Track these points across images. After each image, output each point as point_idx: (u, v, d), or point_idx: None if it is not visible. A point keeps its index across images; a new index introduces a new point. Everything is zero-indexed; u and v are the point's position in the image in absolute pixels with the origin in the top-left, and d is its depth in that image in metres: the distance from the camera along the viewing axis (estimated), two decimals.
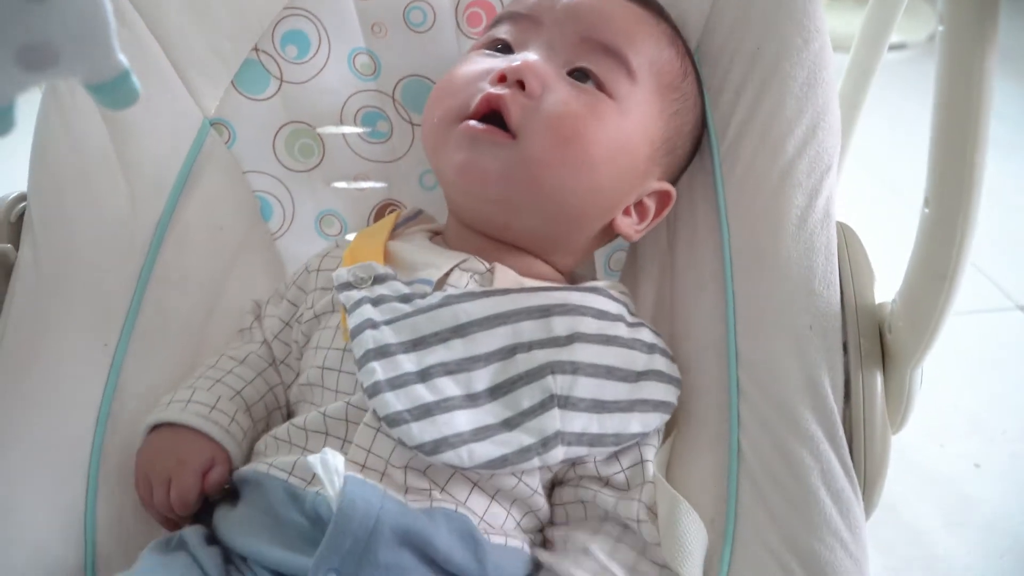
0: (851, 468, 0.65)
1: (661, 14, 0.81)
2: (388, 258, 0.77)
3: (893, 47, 0.90)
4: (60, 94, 0.78)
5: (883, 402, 0.67)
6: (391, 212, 0.95)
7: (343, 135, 0.92)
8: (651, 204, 0.80)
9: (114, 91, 0.45)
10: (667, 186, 0.80)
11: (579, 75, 0.74)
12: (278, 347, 0.80)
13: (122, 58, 0.45)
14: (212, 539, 0.69)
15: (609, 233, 0.81)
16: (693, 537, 0.66)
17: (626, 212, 0.79)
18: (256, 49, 0.88)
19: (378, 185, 0.95)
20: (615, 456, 0.71)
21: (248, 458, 0.74)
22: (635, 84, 0.74)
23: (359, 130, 0.92)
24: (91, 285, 0.77)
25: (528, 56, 0.73)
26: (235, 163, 0.89)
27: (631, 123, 0.74)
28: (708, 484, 0.70)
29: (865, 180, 1.56)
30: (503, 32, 0.78)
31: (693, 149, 0.83)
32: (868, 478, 0.67)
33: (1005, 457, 1.13)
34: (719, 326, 0.75)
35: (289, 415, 0.79)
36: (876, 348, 0.68)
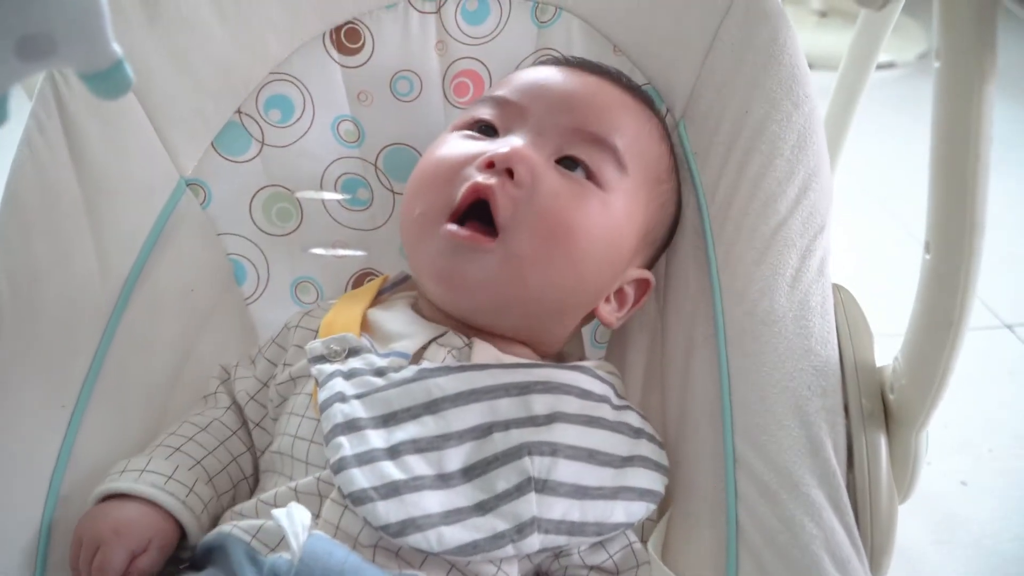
0: (856, 536, 0.62)
1: (652, 108, 0.81)
2: (366, 326, 0.74)
3: (881, 66, 0.91)
4: (35, 144, 0.76)
5: (888, 466, 0.64)
6: (369, 281, 0.92)
7: (323, 201, 0.90)
8: (631, 291, 0.79)
9: (108, 80, 0.45)
10: (646, 273, 0.79)
11: (568, 163, 0.72)
12: (253, 409, 0.76)
13: (116, 47, 0.45)
14: None
15: (590, 318, 0.79)
16: None
17: (607, 300, 0.77)
18: (239, 112, 0.86)
19: (357, 253, 0.92)
20: (600, 544, 0.67)
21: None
22: (625, 175, 0.73)
23: (339, 196, 0.91)
24: (54, 343, 0.73)
25: (516, 142, 0.71)
26: (210, 224, 0.86)
27: (619, 214, 0.73)
28: (707, 561, 0.66)
29: (854, 197, 1.59)
30: (487, 114, 0.76)
31: (669, 237, 0.83)
32: (875, 548, 0.63)
33: (991, 475, 1.13)
34: (713, 391, 0.72)
35: (255, 485, 0.74)
36: (879, 410, 0.66)
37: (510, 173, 0.68)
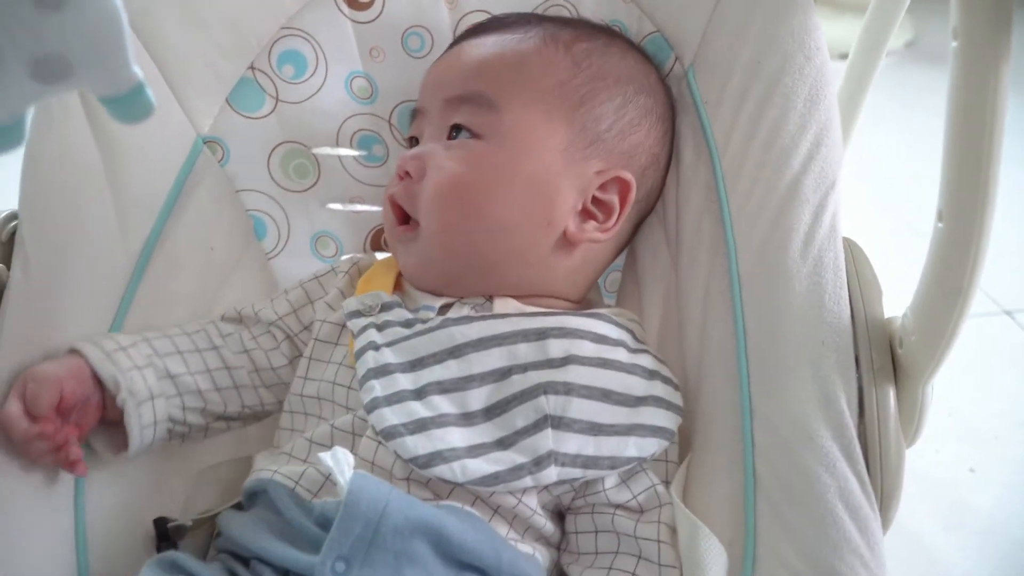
0: (868, 484, 0.64)
1: (534, 24, 0.81)
2: (399, 287, 0.80)
3: None
4: (51, 108, 0.76)
5: (897, 416, 0.67)
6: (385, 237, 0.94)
7: (339, 157, 0.91)
8: (611, 198, 0.78)
9: (128, 104, 0.45)
10: (617, 173, 0.78)
11: (455, 133, 0.77)
12: (292, 321, 0.82)
13: (137, 70, 0.44)
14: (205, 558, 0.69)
15: (573, 246, 0.78)
16: (713, 561, 0.65)
17: (585, 218, 0.78)
18: (252, 68, 0.87)
19: (373, 208, 0.93)
20: (625, 484, 0.71)
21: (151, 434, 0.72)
22: (501, 111, 0.76)
23: (355, 153, 0.92)
24: (78, 306, 0.75)
25: (415, 149, 0.79)
26: (228, 182, 0.87)
27: (509, 148, 0.75)
28: (725, 507, 0.69)
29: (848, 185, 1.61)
30: (412, 129, 0.84)
31: (645, 124, 0.81)
32: (884, 493, 0.66)
33: (998, 461, 1.15)
34: (729, 344, 0.74)
35: (260, 401, 0.80)
36: (888, 363, 0.68)
37: (408, 173, 0.77)
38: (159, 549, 0.71)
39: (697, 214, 0.81)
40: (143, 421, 0.71)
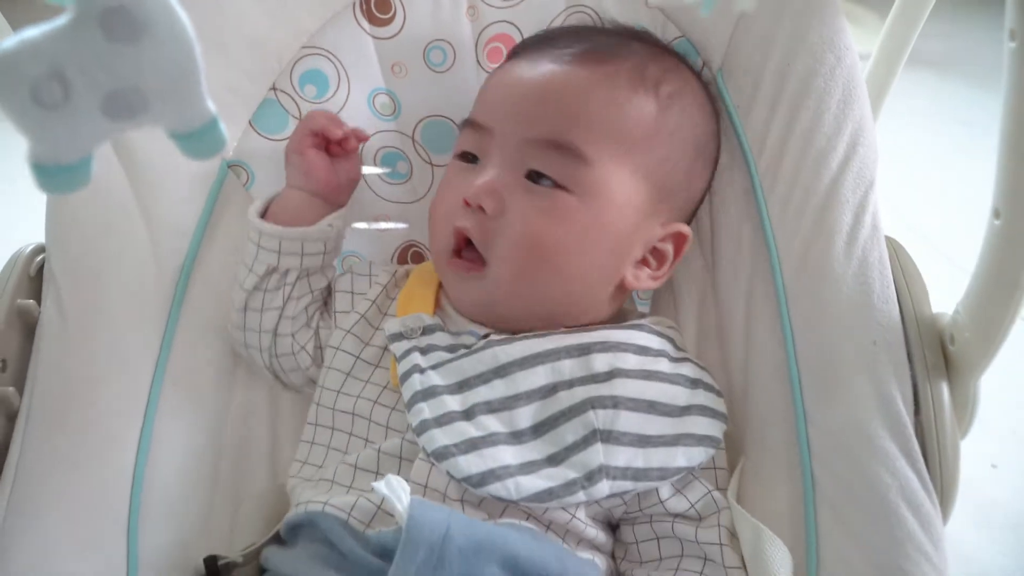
0: (928, 482, 0.65)
1: (615, 55, 0.76)
2: (439, 306, 0.78)
3: None
4: None
5: (952, 412, 0.68)
6: (413, 254, 0.93)
7: (363, 176, 0.90)
8: (667, 247, 0.78)
9: (202, 139, 0.43)
10: (678, 227, 0.78)
11: (535, 175, 0.73)
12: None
13: (210, 104, 0.42)
14: None
15: (624, 290, 0.79)
16: (780, 564, 0.65)
17: (640, 265, 0.78)
18: (275, 88, 0.86)
19: (399, 226, 0.93)
20: (681, 493, 0.71)
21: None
22: (592, 166, 0.72)
23: (379, 171, 0.91)
24: (119, 336, 0.73)
25: (485, 176, 0.74)
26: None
27: (597, 207, 0.73)
28: (784, 514, 0.69)
29: None
30: (468, 143, 0.78)
31: (705, 172, 0.82)
32: (944, 489, 0.66)
33: (1020, 457, 1.15)
34: (776, 349, 0.74)
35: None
36: (940, 359, 0.68)
37: (483, 207, 0.72)
38: None
39: (735, 220, 0.81)
40: None
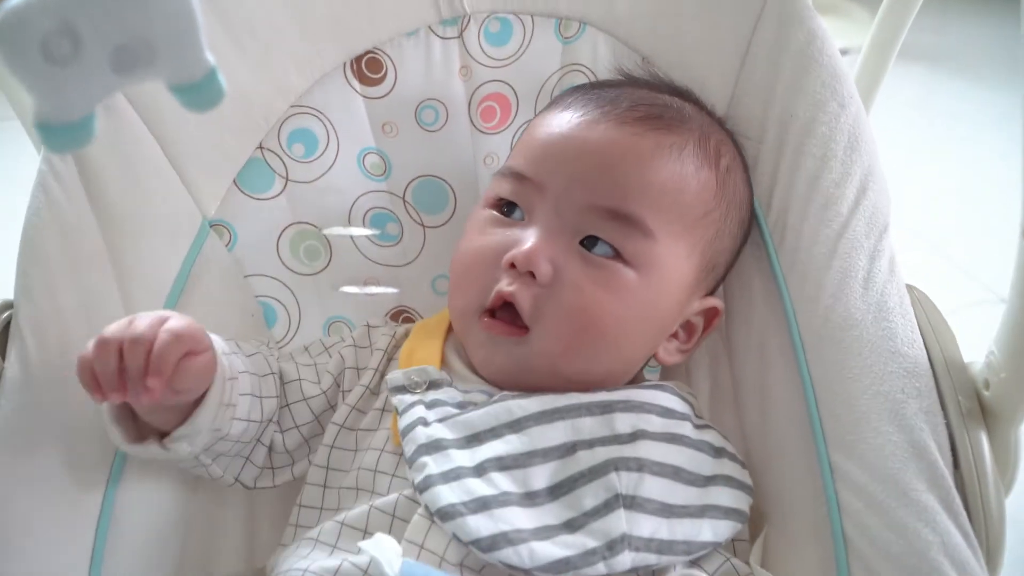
0: (972, 537, 0.58)
1: (679, 123, 0.73)
2: (444, 363, 0.73)
3: None
4: (52, 189, 0.71)
5: (993, 463, 0.62)
6: (404, 319, 0.89)
7: (351, 237, 0.86)
8: (699, 321, 0.75)
9: (202, 91, 0.42)
10: (713, 302, 0.75)
11: (591, 241, 0.69)
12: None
13: (209, 55, 0.42)
14: None
15: (651, 360, 0.76)
16: None
17: (670, 338, 0.74)
18: (261, 147, 0.83)
19: (389, 290, 0.88)
20: (698, 564, 0.64)
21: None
22: (655, 241, 0.69)
23: (368, 232, 0.87)
24: (84, 400, 0.67)
25: (536, 238, 0.68)
26: (237, 267, 0.82)
27: (655, 283, 0.69)
28: None
29: None
30: (509, 192, 0.72)
31: (738, 249, 0.78)
32: (990, 547, 0.59)
33: None
34: (798, 406, 0.69)
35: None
36: (976, 407, 0.63)
37: (534, 274, 0.67)
38: None
39: (746, 274, 0.78)
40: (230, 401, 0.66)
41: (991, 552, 0.60)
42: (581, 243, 0.68)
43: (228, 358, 0.67)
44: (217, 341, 0.66)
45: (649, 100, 0.73)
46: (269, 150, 0.83)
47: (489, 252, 0.70)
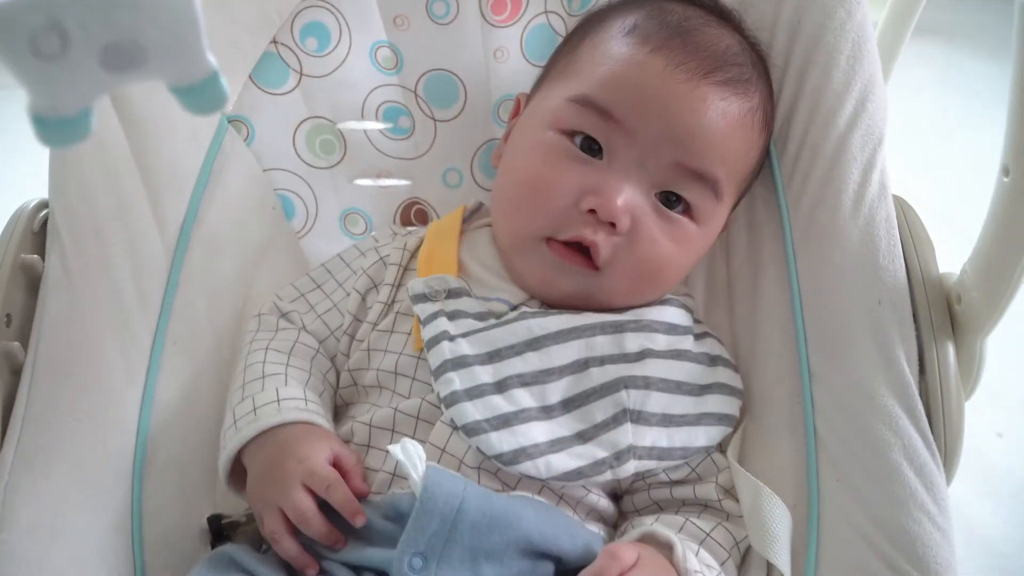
0: (931, 441, 0.65)
1: (753, 85, 0.73)
2: (461, 267, 0.76)
3: None
4: None
5: (957, 372, 0.67)
6: (417, 211, 0.92)
7: (364, 131, 0.89)
8: None
9: (202, 94, 0.42)
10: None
11: (668, 197, 0.71)
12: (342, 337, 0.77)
13: (211, 58, 0.41)
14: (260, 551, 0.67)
15: None
16: (778, 522, 0.65)
17: None
18: (275, 42, 0.84)
19: (401, 183, 0.92)
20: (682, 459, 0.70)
21: None
22: (722, 202, 0.73)
23: (381, 126, 0.89)
24: (121, 293, 0.73)
25: (623, 191, 0.68)
26: (255, 161, 0.85)
27: (710, 234, 0.75)
28: (787, 471, 0.69)
29: None
30: (592, 128, 0.71)
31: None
32: (948, 450, 0.66)
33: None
34: (783, 307, 0.74)
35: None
36: (946, 319, 0.68)
37: (615, 224, 0.68)
38: (214, 545, 0.69)
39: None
40: None
41: (948, 454, 0.66)
42: (659, 196, 0.71)
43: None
44: (325, 422, 0.69)
45: (732, 58, 0.73)
46: (283, 44, 0.84)
47: (568, 189, 0.70)
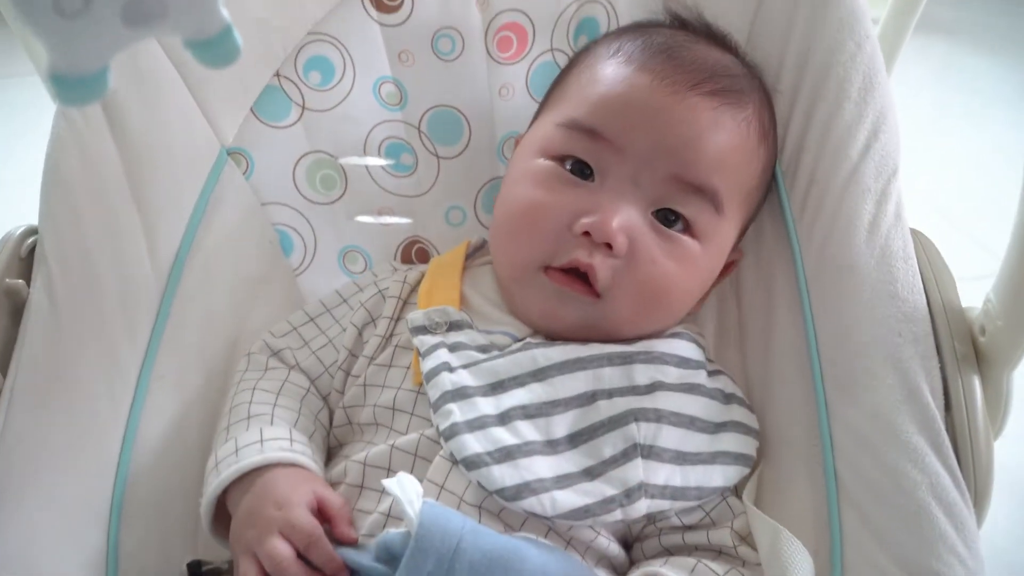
0: (960, 479, 0.61)
1: (746, 96, 0.72)
2: (463, 301, 0.74)
3: None
4: (73, 119, 0.72)
5: (984, 407, 0.64)
6: (418, 250, 0.90)
7: (366, 167, 0.87)
8: None
9: (217, 47, 0.42)
10: (736, 257, 0.78)
11: (666, 216, 0.69)
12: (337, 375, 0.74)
13: (225, 12, 0.42)
14: None
15: None
16: (799, 567, 0.61)
17: None
18: (278, 75, 0.83)
19: (403, 221, 0.90)
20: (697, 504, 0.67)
21: None
22: (722, 216, 0.70)
23: (383, 162, 0.88)
24: (108, 324, 0.70)
25: (618, 211, 0.67)
26: (254, 195, 0.83)
27: (715, 253, 0.72)
28: (807, 515, 0.66)
29: None
30: (582, 151, 0.70)
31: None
32: (978, 489, 0.62)
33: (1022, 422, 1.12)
34: (799, 346, 0.71)
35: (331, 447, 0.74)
36: (970, 352, 0.65)
37: (611, 246, 0.67)
38: None
39: (759, 216, 0.79)
40: None
41: (979, 493, 0.63)
42: (655, 214, 0.69)
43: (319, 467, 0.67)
44: (312, 463, 0.66)
45: (722, 70, 0.72)
46: (286, 78, 0.83)
47: (561, 213, 0.68)
